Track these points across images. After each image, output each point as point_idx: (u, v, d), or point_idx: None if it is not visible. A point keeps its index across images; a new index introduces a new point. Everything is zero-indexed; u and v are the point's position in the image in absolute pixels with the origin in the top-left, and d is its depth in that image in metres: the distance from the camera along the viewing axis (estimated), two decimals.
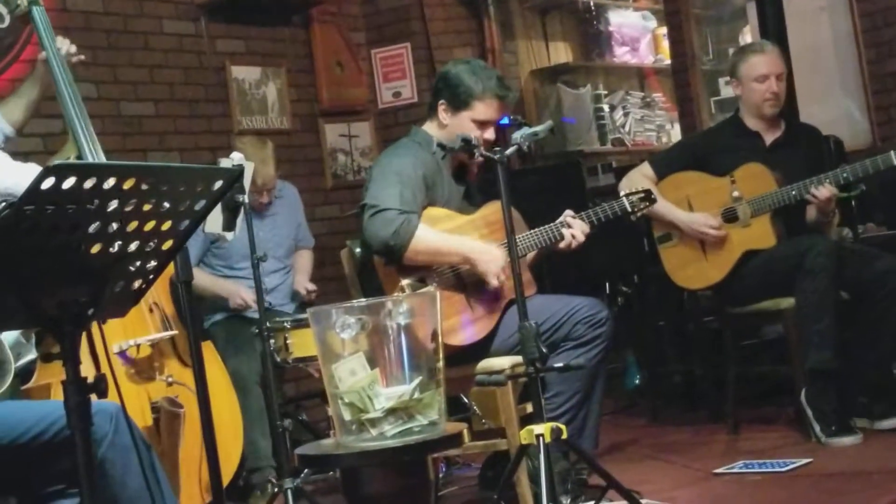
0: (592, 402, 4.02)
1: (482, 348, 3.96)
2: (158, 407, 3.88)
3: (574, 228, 4.04)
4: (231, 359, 4.75)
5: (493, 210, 4.14)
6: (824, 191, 4.52)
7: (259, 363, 4.73)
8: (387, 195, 3.90)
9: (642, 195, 4.22)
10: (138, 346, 3.92)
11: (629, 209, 4.18)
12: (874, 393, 4.57)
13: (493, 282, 3.89)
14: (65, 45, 3.91)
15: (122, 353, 3.85)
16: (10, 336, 2.89)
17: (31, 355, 2.89)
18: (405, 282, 3.90)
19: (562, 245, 4.07)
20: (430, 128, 4.19)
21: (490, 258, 3.91)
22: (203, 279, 5.02)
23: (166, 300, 4.15)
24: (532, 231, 4.08)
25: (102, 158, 3.77)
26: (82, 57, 3.94)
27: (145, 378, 3.95)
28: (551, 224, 4.08)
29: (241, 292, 5.05)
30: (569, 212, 4.09)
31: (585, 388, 3.96)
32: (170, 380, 3.98)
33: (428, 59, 6.80)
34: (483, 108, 4.06)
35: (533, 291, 4.08)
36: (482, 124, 4.06)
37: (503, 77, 4.25)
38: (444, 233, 3.98)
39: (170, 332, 4.05)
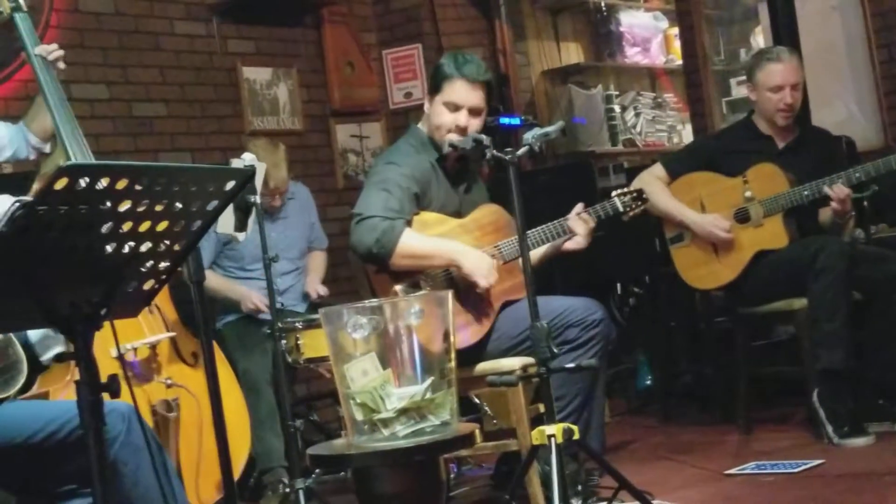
0: (594, 403, 4.00)
1: (476, 352, 3.95)
2: (156, 410, 3.89)
3: (575, 225, 4.03)
4: (242, 359, 4.76)
5: (485, 213, 4.14)
6: (839, 189, 4.50)
7: (270, 363, 4.73)
8: (371, 203, 3.92)
9: (634, 195, 4.20)
10: (135, 349, 3.91)
11: (621, 209, 4.15)
12: (890, 395, 4.55)
13: (482, 283, 3.88)
14: (49, 49, 3.87)
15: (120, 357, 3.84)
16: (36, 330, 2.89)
17: (60, 347, 2.89)
18: (398, 287, 3.89)
19: (569, 245, 4.06)
20: (422, 122, 4.21)
21: (475, 260, 3.90)
22: (215, 281, 5.02)
23: (167, 303, 4.16)
24: (533, 230, 4.05)
25: (90, 158, 3.76)
26: (61, 63, 3.90)
27: (144, 379, 3.94)
28: (554, 221, 4.07)
29: (252, 297, 5.04)
30: (579, 206, 4.09)
31: (586, 390, 3.95)
32: (168, 382, 3.97)
33: (439, 59, 6.78)
34: (450, 89, 4.06)
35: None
36: (454, 108, 4.05)
37: (482, 64, 4.19)
38: (430, 237, 3.96)
39: (166, 335, 4.04)
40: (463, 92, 4.06)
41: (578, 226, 4.04)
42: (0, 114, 4.80)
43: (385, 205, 3.89)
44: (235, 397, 4.33)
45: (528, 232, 4.00)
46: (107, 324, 2.20)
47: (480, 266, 3.88)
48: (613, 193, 4.22)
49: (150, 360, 3.98)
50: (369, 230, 3.85)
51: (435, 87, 4.10)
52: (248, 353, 4.85)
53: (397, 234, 3.84)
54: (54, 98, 3.77)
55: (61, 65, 3.85)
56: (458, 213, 4.13)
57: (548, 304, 3.94)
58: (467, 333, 3.92)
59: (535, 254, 4.13)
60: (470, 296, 3.95)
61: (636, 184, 4.86)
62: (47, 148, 4.09)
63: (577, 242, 4.06)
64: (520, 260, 4.02)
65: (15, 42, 5.11)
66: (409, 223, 3.93)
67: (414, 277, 3.92)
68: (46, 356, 2.94)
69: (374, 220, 3.86)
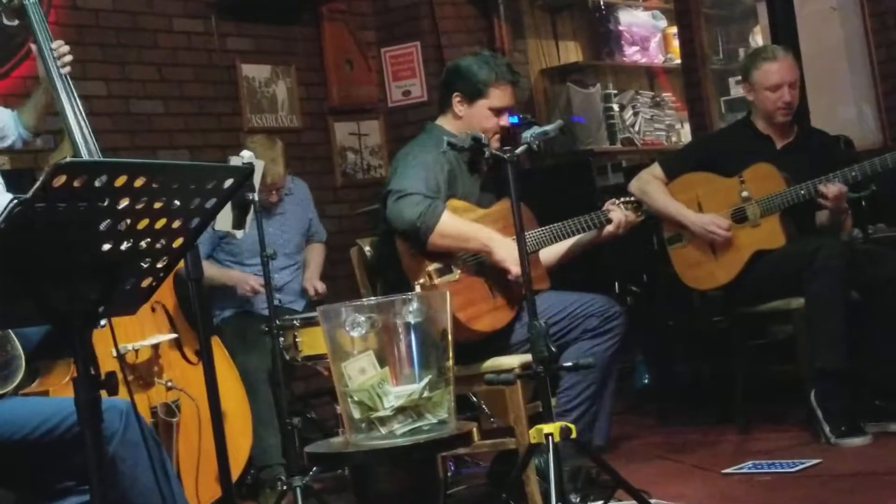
0: (605, 396, 4.03)
1: (502, 337, 3.98)
2: (156, 413, 3.87)
3: (617, 215, 4.13)
4: (240, 356, 4.76)
5: (507, 206, 4.15)
6: (833, 188, 4.50)
7: (268, 360, 4.73)
8: (412, 181, 3.94)
9: (634, 205, 4.27)
10: (136, 350, 3.90)
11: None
12: (887, 394, 4.55)
13: (514, 269, 3.89)
14: (60, 48, 3.87)
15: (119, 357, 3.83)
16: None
17: None
18: (431, 267, 3.91)
19: (609, 229, 4.15)
20: (444, 122, 4.21)
21: (508, 248, 3.93)
22: (211, 270, 5.02)
23: (169, 297, 4.15)
24: (564, 222, 4.10)
25: (97, 154, 3.76)
26: (69, 59, 3.90)
27: (144, 383, 3.93)
28: (591, 213, 4.15)
29: (249, 279, 5.04)
30: (613, 200, 4.21)
31: (599, 381, 3.98)
32: (169, 384, 3.95)
33: (438, 57, 6.80)
34: (498, 95, 4.11)
35: (547, 287, 4.11)
36: (498, 111, 4.11)
37: (511, 63, 4.33)
38: (466, 221, 4.00)
39: (169, 336, 4.02)
40: (508, 95, 4.15)
41: (619, 214, 4.15)
42: None
43: (426, 183, 3.93)
44: (238, 394, 4.33)
45: (541, 229, 4.10)
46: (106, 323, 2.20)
47: (513, 254, 3.91)
48: (616, 201, 4.26)
49: (151, 363, 3.96)
50: (411, 205, 3.86)
51: (477, 93, 4.11)
52: (245, 349, 4.85)
53: (439, 212, 3.87)
54: (61, 88, 3.76)
55: (67, 69, 3.84)
56: (478, 205, 4.16)
57: (571, 296, 4.08)
58: (494, 318, 3.97)
59: (567, 243, 4.21)
60: (498, 283, 3.99)
61: (634, 184, 4.88)
62: (38, 142, 4.08)
63: (610, 233, 4.18)
64: (539, 252, 4.15)
65: (13, 38, 5.12)
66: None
67: (446, 260, 3.94)
68: None
69: (417, 197, 3.88)
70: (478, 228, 3.98)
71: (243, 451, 4.33)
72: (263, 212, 4.75)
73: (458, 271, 3.94)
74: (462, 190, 4.12)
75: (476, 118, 4.11)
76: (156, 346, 3.99)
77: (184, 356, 4.11)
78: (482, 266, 4.00)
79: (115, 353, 3.69)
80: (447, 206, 3.98)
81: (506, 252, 3.90)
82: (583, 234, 4.18)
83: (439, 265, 3.93)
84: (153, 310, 4.05)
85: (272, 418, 4.74)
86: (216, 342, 4.31)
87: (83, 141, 3.71)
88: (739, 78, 5.40)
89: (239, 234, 4.04)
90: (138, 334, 3.91)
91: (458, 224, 3.94)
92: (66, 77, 3.79)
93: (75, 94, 3.79)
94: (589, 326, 3.97)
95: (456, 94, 4.16)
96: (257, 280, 4.96)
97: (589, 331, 3.97)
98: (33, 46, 3.88)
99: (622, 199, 4.28)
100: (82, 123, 3.73)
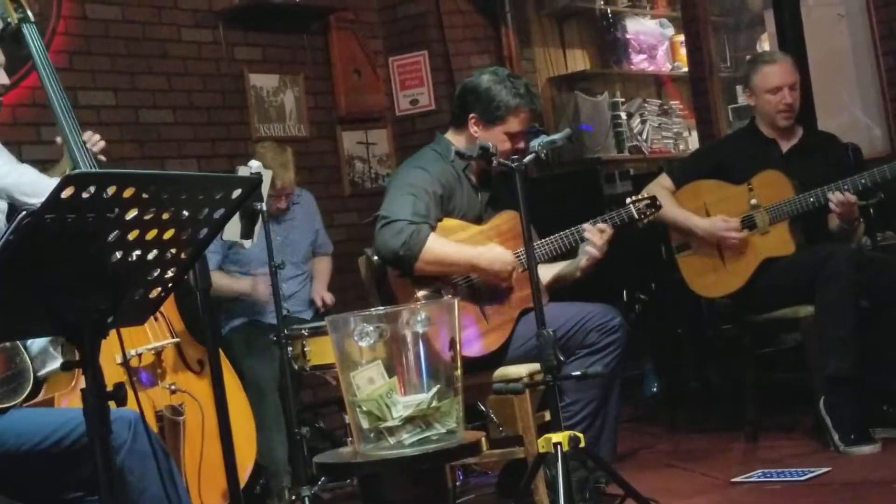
0: (609, 409, 4.01)
1: (496, 359, 3.96)
2: (162, 415, 3.89)
3: (592, 235, 4.03)
4: (248, 365, 4.76)
5: (504, 220, 4.14)
6: (840, 197, 4.49)
7: (276, 369, 4.73)
8: (399, 206, 3.92)
9: (648, 202, 4.21)
10: (140, 354, 3.92)
11: (636, 216, 4.16)
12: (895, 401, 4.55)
13: (503, 274, 3.89)
14: (91, 138, 3.91)
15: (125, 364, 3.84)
16: (37, 344, 2.90)
17: (55, 365, 2.89)
18: (421, 293, 3.90)
19: (584, 263, 4.06)
20: (454, 138, 4.18)
21: (494, 257, 3.91)
22: (221, 280, 5.03)
23: (172, 310, 4.16)
24: (548, 238, 4.07)
25: (94, 167, 3.80)
26: (103, 144, 3.94)
27: (147, 387, 3.94)
28: (570, 229, 4.08)
29: (259, 283, 5.02)
30: (586, 224, 4.09)
31: (601, 396, 3.96)
32: (172, 387, 3.98)
33: (446, 66, 6.80)
34: (517, 122, 4.07)
35: (546, 300, 4.08)
36: (514, 136, 4.06)
37: (529, 84, 4.25)
38: (454, 242, 3.97)
39: (171, 340, 4.05)
40: (527, 120, 4.10)
41: (595, 235, 4.03)
42: (8, 121, 4.81)
43: (412, 209, 3.90)
44: (241, 405, 4.33)
45: (541, 241, 4.04)
46: (112, 330, 2.20)
47: (497, 259, 3.90)
48: (627, 200, 4.21)
49: (154, 367, 3.98)
50: (395, 234, 3.86)
51: (497, 119, 4.05)
52: (254, 358, 4.85)
53: (423, 238, 3.85)
54: (61, 106, 3.80)
55: (102, 156, 3.89)
56: (480, 220, 4.14)
57: (568, 309, 4.01)
58: (488, 341, 3.94)
59: (551, 270, 4.15)
60: (490, 303, 3.98)
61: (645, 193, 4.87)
62: None
63: (590, 254, 4.05)
64: (537, 266, 4.08)
65: (22, 50, 5.13)
66: (433, 228, 3.93)
67: (436, 284, 3.93)
68: (43, 372, 2.95)
69: (401, 224, 3.87)
70: (464, 250, 3.95)
71: (247, 461, 4.33)
72: (271, 219, 4.77)
73: (448, 296, 3.90)
74: (462, 205, 4.10)
75: (491, 141, 3.94)
76: (159, 352, 4.01)
77: (187, 366, 4.12)
78: (473, 288, 3.97)
79: (119, 360, 3.73)
80: (439, 226, 3.96)
81: (488, 263, 3.90)
82: (566, 266, 4.13)
83: (428, 290, 3.91)
84: (156, 319, 4.06)
85: (280, 427, 4.74)
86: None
87: (82, 157, 3.74)
88: (742, 87, 5.40)
89: (247, 243, 4.05)
90: (143, 339, 3.93)
91: (444, 248, 3.91)
92: (62, 93, 3.82)
93: (71, 109, 3.82)
94: (588, 342, 3.94)
95: (472, 115, 4.10)
96: (266, 283, 4.95)
97: (587, 346, 3.94)
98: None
99: (634, 198, 4.23)
100: (81, 143, 3.77)
